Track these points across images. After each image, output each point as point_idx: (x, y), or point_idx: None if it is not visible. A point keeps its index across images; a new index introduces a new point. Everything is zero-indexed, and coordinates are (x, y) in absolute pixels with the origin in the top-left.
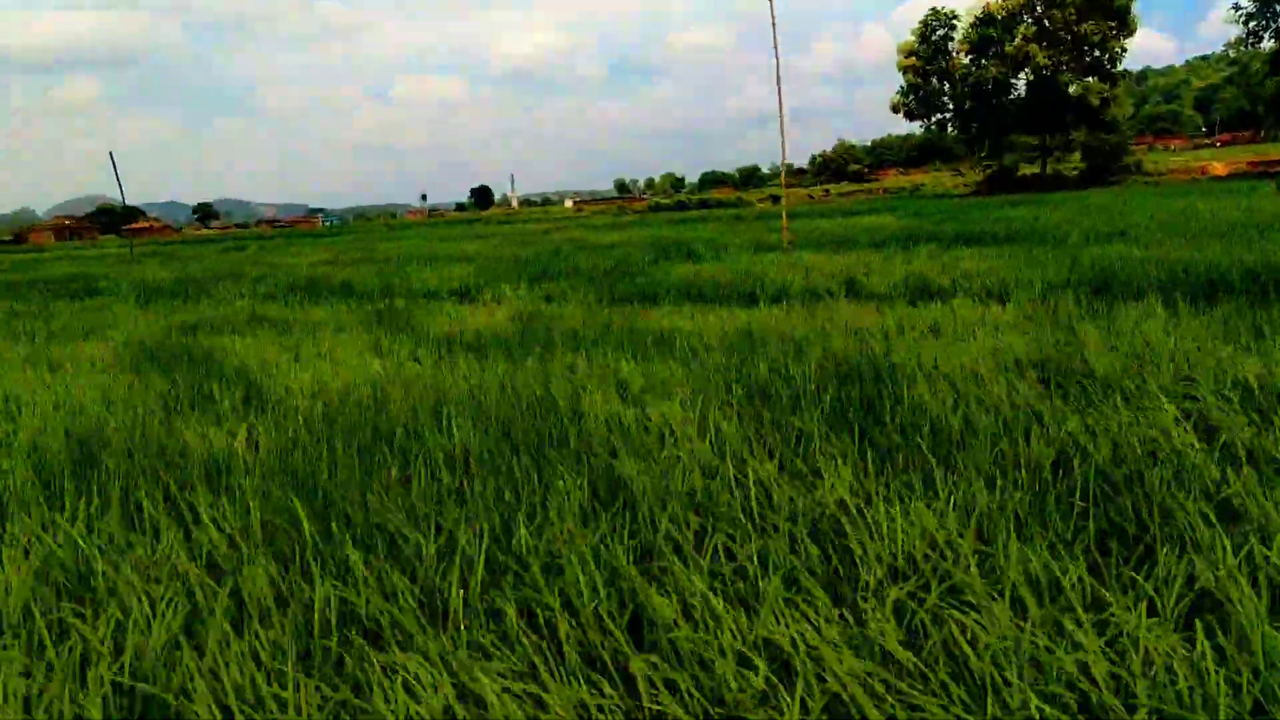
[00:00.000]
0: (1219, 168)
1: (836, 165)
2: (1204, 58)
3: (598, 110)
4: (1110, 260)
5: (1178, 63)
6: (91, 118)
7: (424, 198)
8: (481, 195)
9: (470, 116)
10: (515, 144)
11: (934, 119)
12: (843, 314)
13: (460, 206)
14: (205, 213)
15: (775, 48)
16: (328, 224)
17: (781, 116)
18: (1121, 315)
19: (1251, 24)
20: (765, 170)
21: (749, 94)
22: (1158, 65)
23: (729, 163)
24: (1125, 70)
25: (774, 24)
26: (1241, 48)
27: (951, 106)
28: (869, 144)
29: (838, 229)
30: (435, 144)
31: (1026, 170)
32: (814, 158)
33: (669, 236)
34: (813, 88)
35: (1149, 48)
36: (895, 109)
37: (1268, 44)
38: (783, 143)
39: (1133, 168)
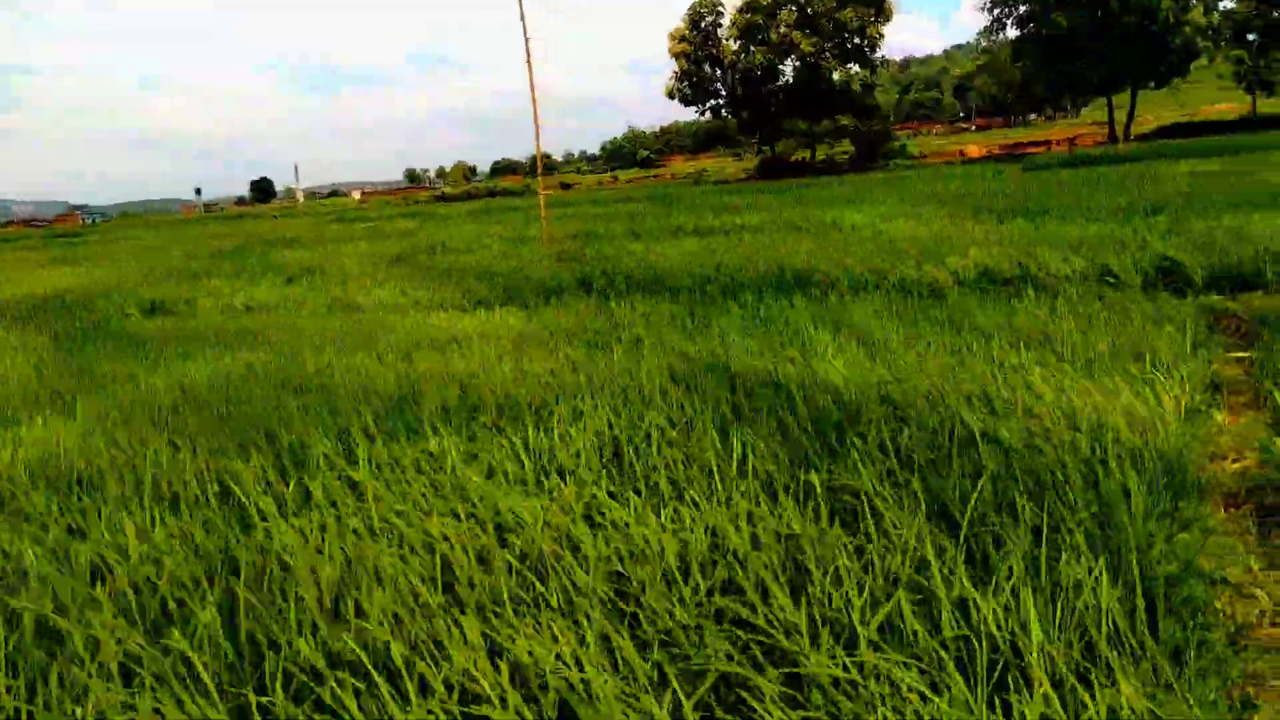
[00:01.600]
0: (974, 150)
1: (627, 152)
2: (959, 47)
3: (391, 98)
4: None
5: (937, 52)
6: None
7: (198, 192)
8: (262, 188)
9: (253, 106)
10: (301, 134)
11: (708, 105)
12: None
13: (241, 200)
14: None
15: (524, 34)
16: (89, 221)
17: (535, 106)
18: None
19: (995, 11)
20: (558, 157)
21: (546, 79)
22: (919, 54)
23: (523, 150)
24: (884, 57)
25: (522, 14)
26: (990, 36)
27: (724, 93)
28: (658, 130)
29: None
30: (213, 135)
31: (804, 154)
32: (604, 145)
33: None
34: (609, 75)
35: (911, 38)
36: (670, 95)
37: (1012, 32)
38: (536, 136)
39: (898, 152)
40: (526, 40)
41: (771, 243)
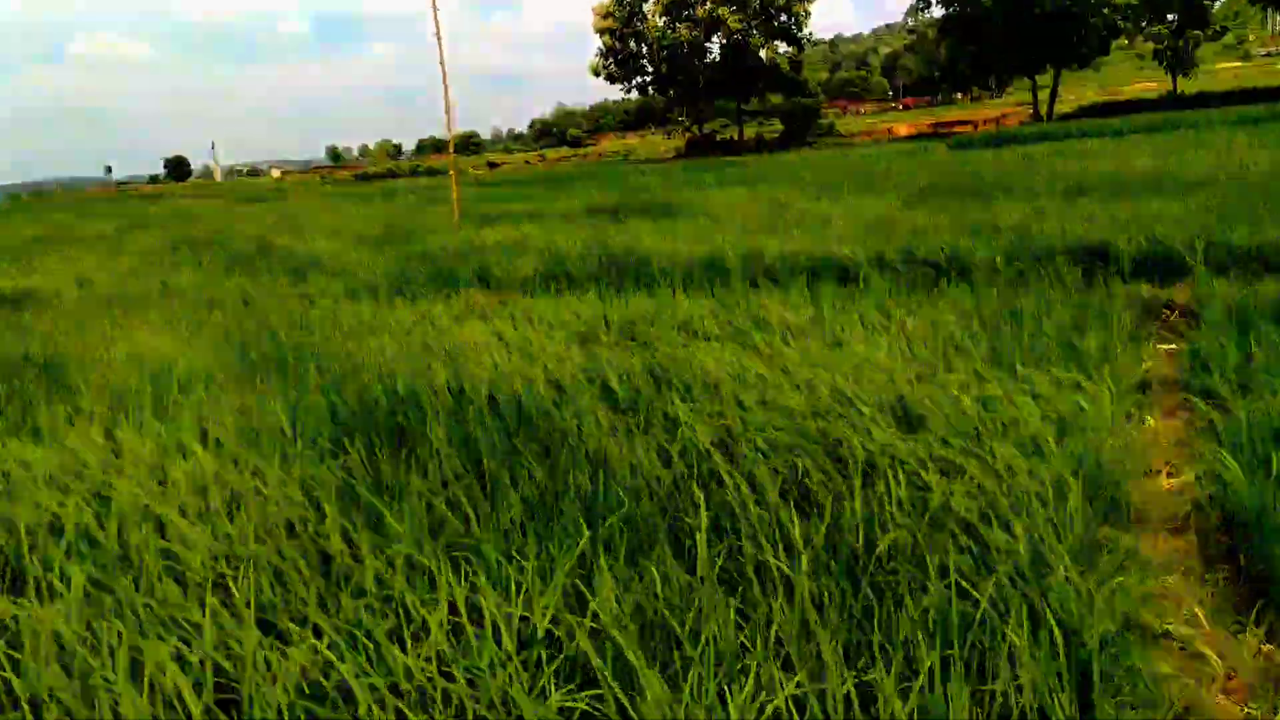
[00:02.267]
0: (903, 129)
1: (556, 130)
2: (889, 26)
3: (309, 73)
4: None
5: (866, 31)
6: None
7: (109, 170)
8: (177, 166)
9: (166, 80)
10: (219, 110)
11: (634, 82)
12: None
13: (154, 179)
14: None
15: (434, 7)
16: None
17: (446, 86)
18: None
19: None
20: (487, 136)
21: (474, 55)
22: (849, 34)
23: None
24: (811, 34)
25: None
26: (916, 15)
27: (650, 70)
28: (588, 108)
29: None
30: (123, 110)
31: (731, 133)
32: (533, 123)
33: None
34: (536, 52)
35: (840, 17)
36: (595, 72)
37: (938, 11)
38: (448, 117)
39: (827, 130)
40: (438, 24)
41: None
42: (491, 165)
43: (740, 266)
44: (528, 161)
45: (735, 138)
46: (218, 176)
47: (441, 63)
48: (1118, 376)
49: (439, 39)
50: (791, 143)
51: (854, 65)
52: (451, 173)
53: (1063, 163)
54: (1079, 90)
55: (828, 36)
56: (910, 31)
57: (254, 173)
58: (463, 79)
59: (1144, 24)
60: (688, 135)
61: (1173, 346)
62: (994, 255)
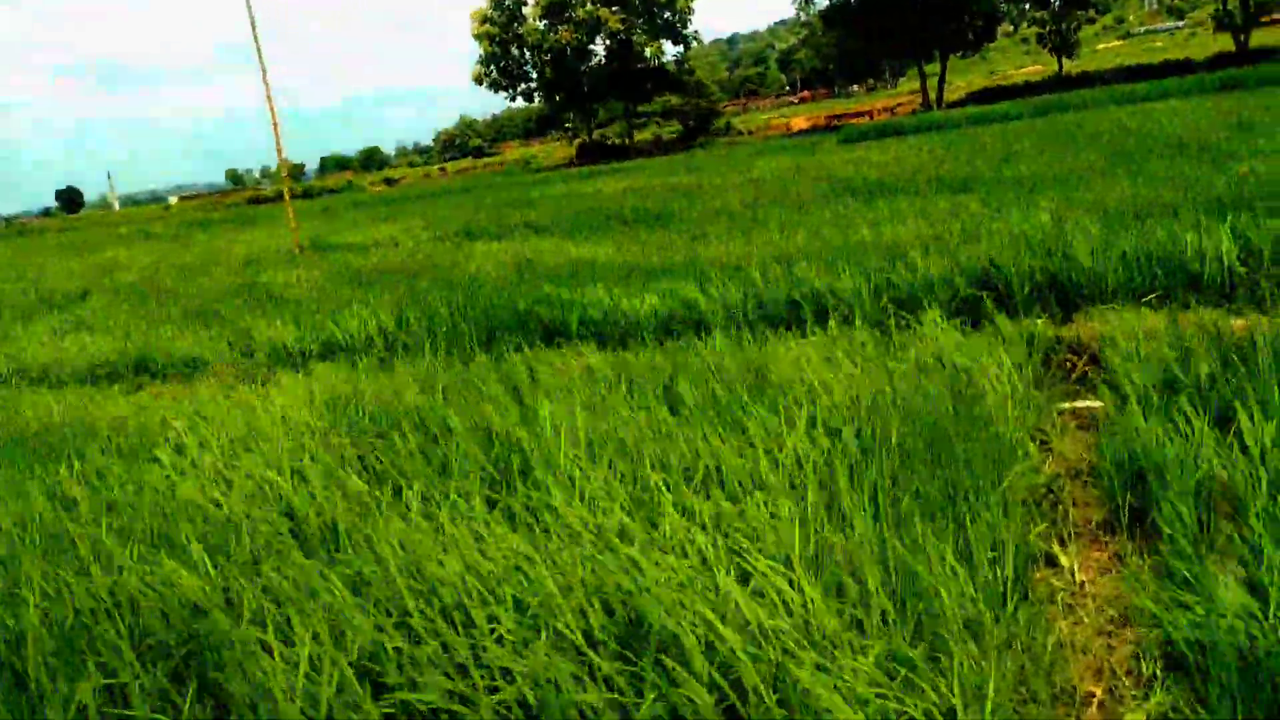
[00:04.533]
0: (800, 122)
1: (460, 142)
2: (782, 22)
3: (205, 96)
4: None
5: (762, 28)
6: None
7: None
8: (70, 198)
9: (48, 110)
10: (112, 139)
11: (519, 90)
12: None
13: (46, 212)
14: None
15: (253, 25)
16: None
17: (272, 108)
18: None
19: None
20: (390, 151)
21: (371, 72)
22: (745, 31)
23: (354, 144)
24: (697, 32)
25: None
26: (804, 8)
27: (534, 75)
28: (491, 118)
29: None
30: (4, 146)
31: (621, 136)
32: (437, 135)
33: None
34: (449, 64)
35: (738, 16)
36: (479, 80)
37: (823, 2)
38: (276, 138)
39: (724, 129)
40: (258, 43)
41: None
42: (389, 182)
43: None
44: (428, 175)
45: (624, 141)
46: (116, 206)
47: (269, 99)
48: (1016, 486)
49: (261, 62)
50: (687, 143)
51: (751, 62)
52: (287, 202)
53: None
54: (968, 77)
55: (725, 34)
56: (803, 25)
57: (156, 199)
58: (366, 97)
59: (1026, 7)
60: (577, 141)
61: (1083, 406)
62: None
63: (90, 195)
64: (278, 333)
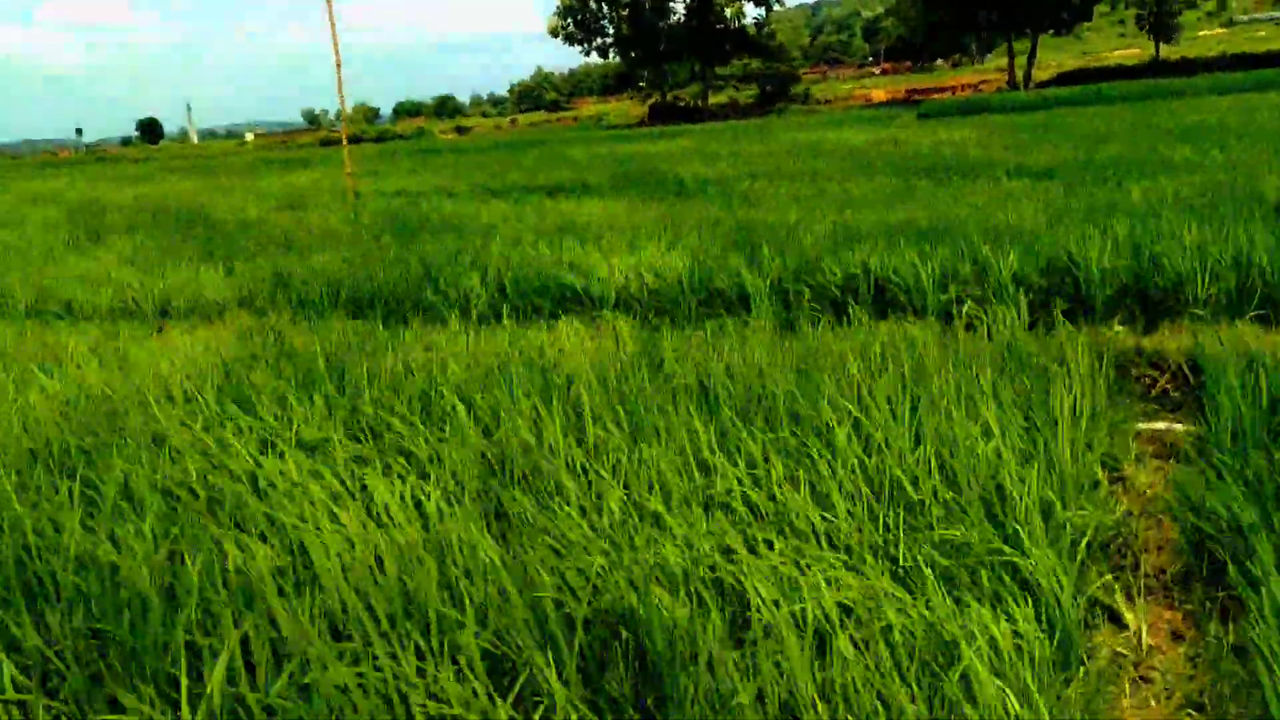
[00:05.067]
0: (879, 94)
1: (535, 94)
2: None
3: (287, 33)
4: None
5: None
6: None
7: (79, 132)
8: (150, 129)
9: (135, 38)
10: (193, 71)
11: (594, 44)
12: None
13: (125, 141)
14: None
15: None
16: None
17: (336, 50)
18: None
19: None
20: (464, 99)
21: (454, 16)
22: None
23: (430, 90)
24: None
25: None
26: None
27: (611, 30)
28: (569, 72)
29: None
30: (93, 71)
31: (710, 99)
32: (513, 86)
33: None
34: (519, 13)
35: None
36: (554, 32)
37: None
38: (339, 86)
39: (802, 96)
40: None
41: None
42: (460, 130)
43: None
44: (499, 126)
45: (698, 103)
46: (194, 139)
47: (334, 38)
48: (1075, 525)
49: (330, 11)
50: (763, 109)
51: (835, 29)
52: (345, 150)
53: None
54: (1058, 57)
55: (810, 1)
56: None
57: (231, 135)
58: (434, 42)
59: None
60: (650, 101)
61: (1162, 427)
62: (923, 280)
63: (170, 127)
64: None
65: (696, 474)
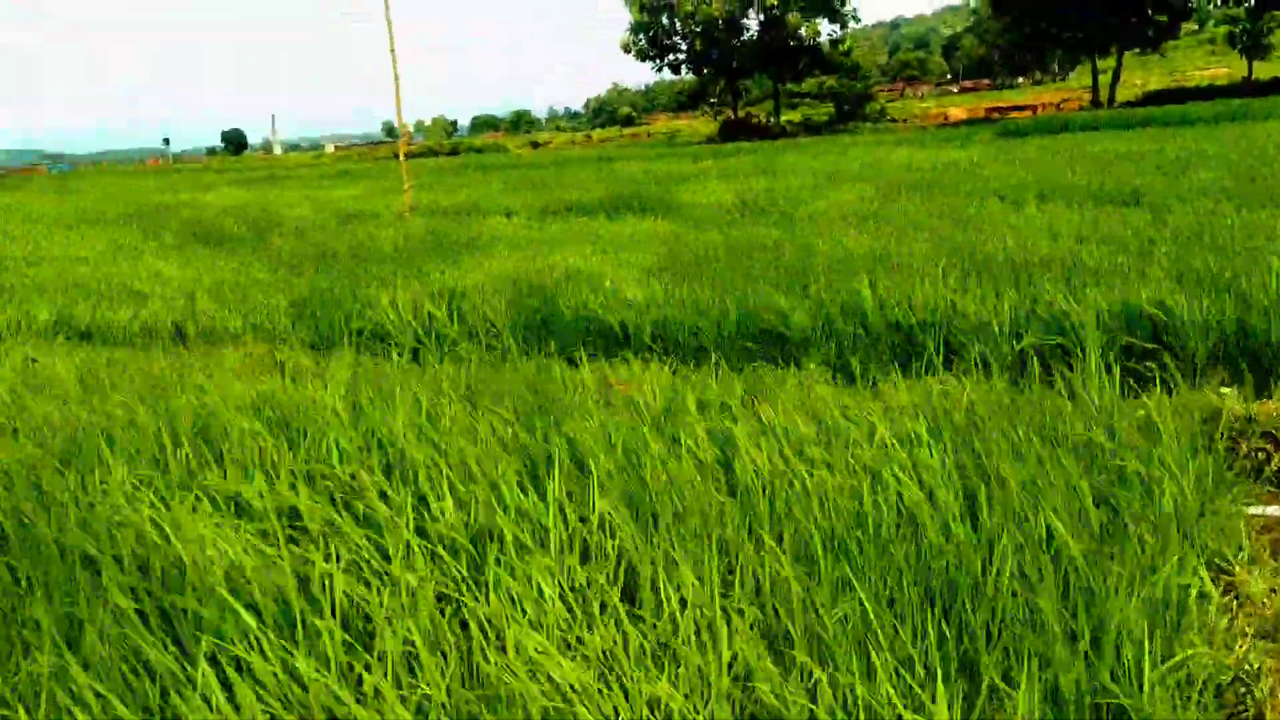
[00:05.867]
0: (958, 113)
1: (609, 109)
2: (952, 8)
3: (372, 45)
4: None
5: (928, 11)
6: None
7: (166, 142)
8: (234, 140)
9: (219, 46)
10: (276, 82)
11: (665, 60)
12: None
13: (210, 151)
14: None
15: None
16: (56, 172)
17: (394, 65)
18: None
19: None
20: (540, 115)
21: (537, 31)
22: (909, 14)
23: (510, 104)
24: (855, 10)
25: None
26: None
27: (683, 47)
28: (644, 88)
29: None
30: (177, 80)
31: (783, 117)
32: (588, 101)
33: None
34: (602, 29)
35: None
36: (626, 49)
37: None
38: (397, 99)
39: (878, 114)
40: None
41: None
42: (535, 145)
43: None
44: (573, 141)
45: (768, 121)
46: (277, 150)
47: (393, 55)
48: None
49: (389, 29)
50: (835, 127)
51: (912, 46)
52: (402, 163)
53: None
54: (1145, 75)
55: (888, 17)
56: (972, 11)
57: (315, 147)
58: (516, 56)
59: (1217, 4)
60: (720, 117)
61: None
62: (993, 323)
63: (254, 138)
64: None
65: None
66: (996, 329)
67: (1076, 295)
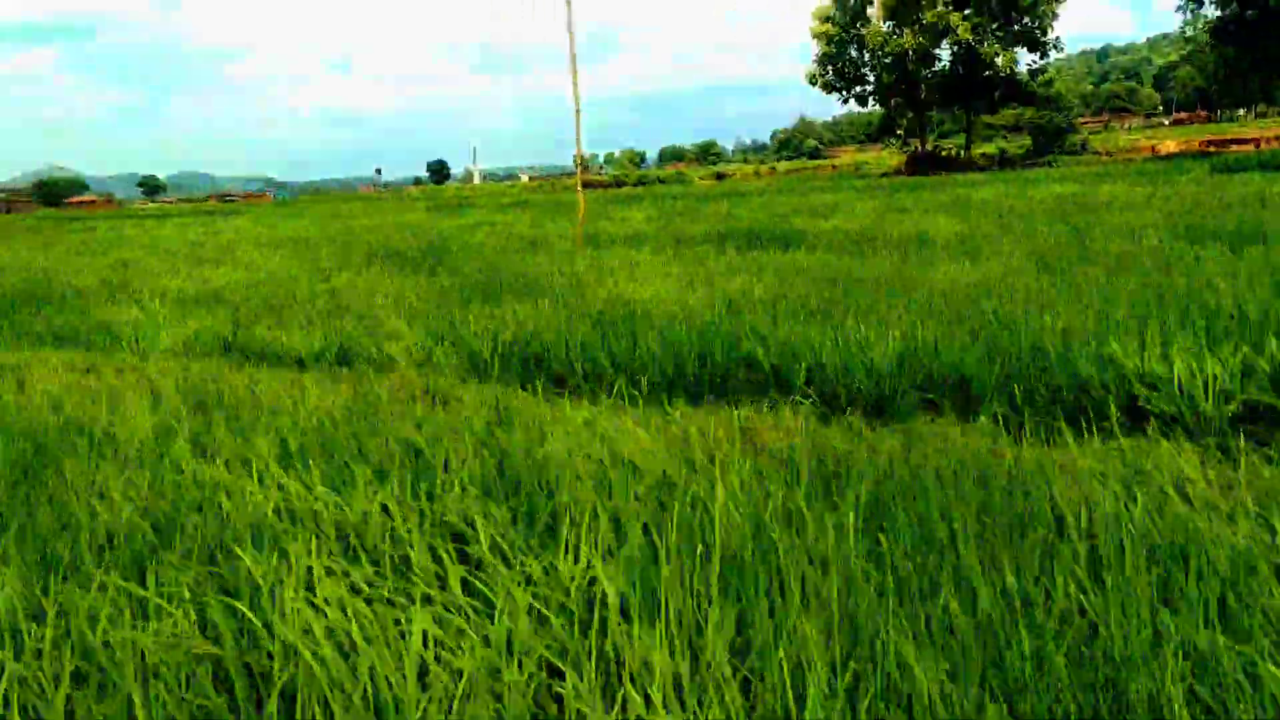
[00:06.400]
0: (1170, 145)
1: (796, 141)
2: (1165, 35)
3: (564, 79)
4: None
5: (1139, 40)
6: (45, 86)
7: (379, 172)
8: (438, 170)
9: (432, 86)
10: (475, 115)
11: (853, 92)
12: None
13: (417, 181)
14: (151, 186)
15: (570, 25)
16: (280, 198)
17: (577, 100)
18: None
19: None
20: (727, 146)
21: (719, 61)
22: (1119, 42)
23: (692, 137)
24: (1059, 39)
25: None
26: (1188, 20)
27: (871, 79)
28: (831, 120)
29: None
30: (394, 115)
31: (957, 149)
32: (774, 134)
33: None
34: (785, 61)
35: (1113, 26)
36: (812, 80)
37: (1211, 10)
38: (578, 131)
39: (1079, 147)
40: (571, 37)
41: None
42: (719, 177)
43: None
44: (757, 173)
45: (959, 154)
46: (476, 180)
47: (575, 89)
48: None
49: (573, 64)
50: (1030, 160)
51: (1122, 76)
52: (579, 194)
53: None
54: None
55: (1096, 46)
56: (1187, 40)
57: (510, 176)
58: (702, 90)
59: None
60: (907, 150)
61: None
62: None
63: (456, 169)
64: None
65: None
66: (1202, 389)
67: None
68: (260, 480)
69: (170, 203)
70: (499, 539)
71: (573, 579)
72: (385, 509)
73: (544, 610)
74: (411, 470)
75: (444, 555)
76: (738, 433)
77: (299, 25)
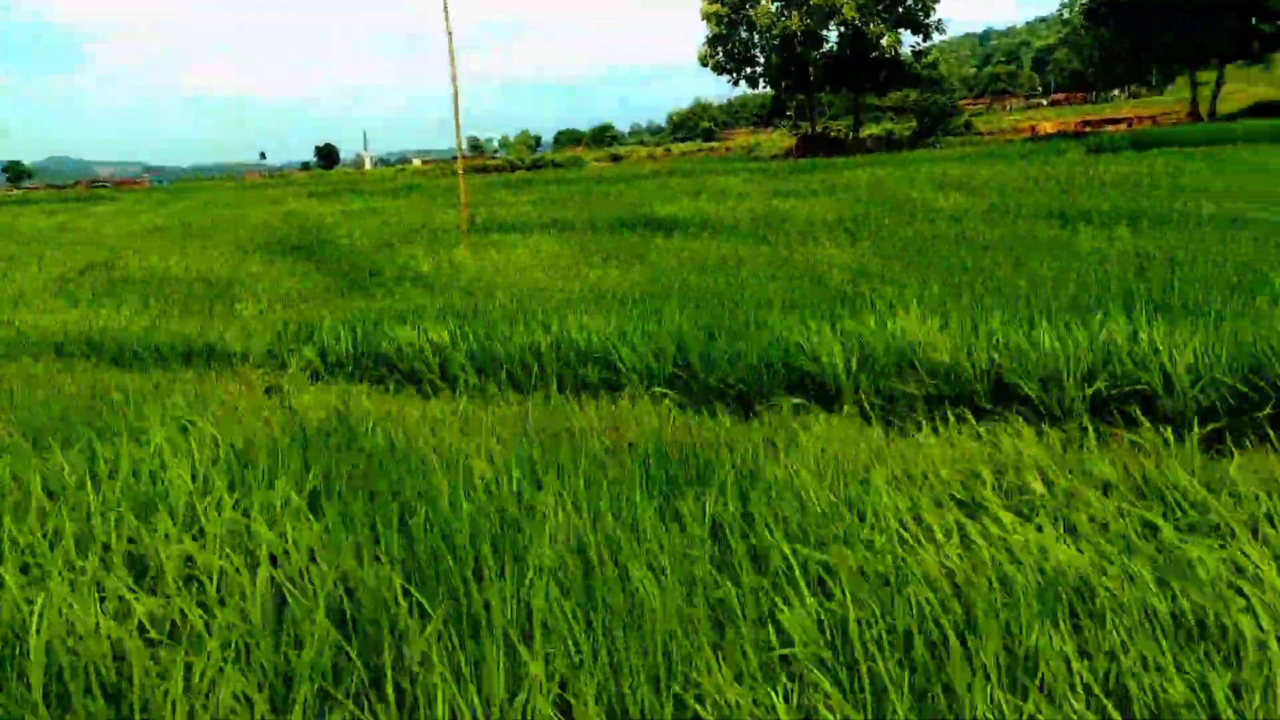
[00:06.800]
0: (1047, 126)
1: (691, 124)
2: (1043, 19)
3: (460, 64)
4: None
5: (1019, 23)
6: None
7: (263, 156)
8: (326, 155)
9: (320, 67)
10: (366, 100)
11: (743, 74)
12: None
13: (305, 166)
14: (16, 172)
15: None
16: (158, 184)
17: (455, 87)
18: None
19: None
20: (624, 129)
21: (623, 46)
22: (1000, 26)
23: (590, 120)
24: (940, 21)
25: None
26: (1066, 4)
27: (761, 60)
28: (726, 102)
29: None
30: (281, 99)
31: (864, 131)
32: (670, 116)
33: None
34: (683, 44)
35: (995, 9)
36: (703, 62)
37: None
38: (456, 117)
39: (963, 128)
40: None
41: None
42: (615, 159)
43: None
44: (652, 155)
45: (848, 135)
46: (368, 165)
47: (453, 68)
48: None
49: (450, 43)
50: (915, 142)
51: (1003, 59)
52: (460, 178)
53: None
54: (1254, 89)
55: (978, 29)
56: (1064, 23)
57: (402, 161)
58: (602, 74)
59: None
60: (797, 133)
61: None
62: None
63: (348, 154)
64: None
65: None
66: (1067, 373)
67: (1167, 336)
68: None
69: (36, 189)
70: None
71: None
72: None
73: None
74: None
75: None
76: None
77: (173, 2)
